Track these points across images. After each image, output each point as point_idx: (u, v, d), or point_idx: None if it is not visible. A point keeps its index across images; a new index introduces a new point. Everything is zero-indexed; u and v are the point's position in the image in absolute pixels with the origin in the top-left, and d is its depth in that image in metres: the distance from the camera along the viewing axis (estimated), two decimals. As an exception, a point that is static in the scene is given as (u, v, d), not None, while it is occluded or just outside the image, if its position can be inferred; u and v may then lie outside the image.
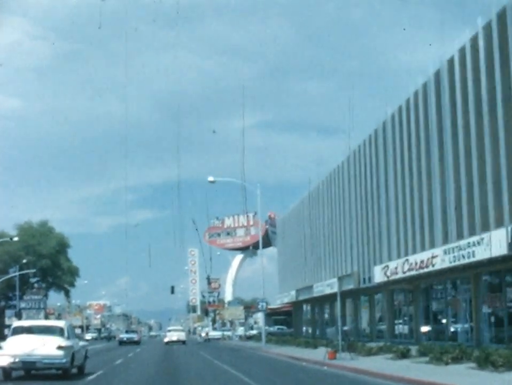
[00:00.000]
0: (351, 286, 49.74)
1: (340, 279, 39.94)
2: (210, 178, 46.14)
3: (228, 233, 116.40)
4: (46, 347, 22.62)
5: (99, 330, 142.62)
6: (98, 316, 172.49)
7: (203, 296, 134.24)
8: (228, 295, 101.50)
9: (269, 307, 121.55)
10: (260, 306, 54.36)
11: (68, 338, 23.85)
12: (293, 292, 71.00)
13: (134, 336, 75.90)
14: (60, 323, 25.81)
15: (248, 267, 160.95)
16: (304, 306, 74.74)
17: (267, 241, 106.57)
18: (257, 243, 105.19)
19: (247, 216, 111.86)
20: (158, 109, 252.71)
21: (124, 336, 76.47)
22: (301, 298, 68.86)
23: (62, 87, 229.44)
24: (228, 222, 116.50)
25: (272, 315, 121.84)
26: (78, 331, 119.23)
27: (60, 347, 22.71)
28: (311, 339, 51.78)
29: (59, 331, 23.85)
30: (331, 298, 55.03)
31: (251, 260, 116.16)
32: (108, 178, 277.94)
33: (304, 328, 75.35)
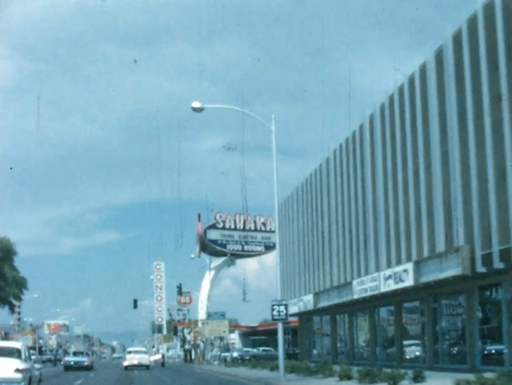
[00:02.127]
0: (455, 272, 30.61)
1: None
2: (195, 104, 31.59)
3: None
4: (3, 370, 21.48)
5: (39, 351, 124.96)
6: (53, 336, 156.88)
7: (170, 314, 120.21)
8: (201, 312, 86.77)
9: (247, 325, 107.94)
10: (276, 313, 32.36)
11: (25, 360, 22.91)
12: (307, 298, 54.61)
13: (84, 360, 58.94)
14: (17, 344, 24.90)
15: (222, 280, 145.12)
16: (316, 318, 58.93)
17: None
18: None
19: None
20: (123, 130, 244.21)
21: (70, 359, 59.28)
22: (323, 304, 51.37)
23: (27, 108, 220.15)
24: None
25: (250, 335, 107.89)
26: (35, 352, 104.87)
27: (17, 370, 21.69)
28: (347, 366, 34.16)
29: (16, 353, 22.88)
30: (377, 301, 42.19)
31: (225, 272, 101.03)
32: (72, 199, 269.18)
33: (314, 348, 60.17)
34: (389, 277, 37.26)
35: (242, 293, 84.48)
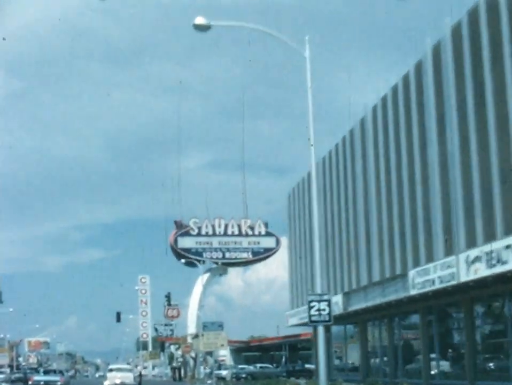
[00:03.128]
0: None
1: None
2: (199, 21, 24.60)
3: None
4: None
5: (11, 368, 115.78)
6: (33, 354, 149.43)
7: (156, 330, 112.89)
8: (191, 326, 78.69)
9: (239, 340, 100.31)
10: (314, 313, 22.91)
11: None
12: (335, 299, 43.65)
13: (57, 379, 49.38)
14: None
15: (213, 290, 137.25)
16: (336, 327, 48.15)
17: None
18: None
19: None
20: (107, 147, 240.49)
21: (40, 378, 49.65)
22: (358, 306, 42.76)
23: (10, 125, 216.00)
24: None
25: (242, 351, 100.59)
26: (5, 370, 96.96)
27: None
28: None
29: None
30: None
31: (217, 280, 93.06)
32: (56, 216, 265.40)
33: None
34: (478, 259, 28.21)
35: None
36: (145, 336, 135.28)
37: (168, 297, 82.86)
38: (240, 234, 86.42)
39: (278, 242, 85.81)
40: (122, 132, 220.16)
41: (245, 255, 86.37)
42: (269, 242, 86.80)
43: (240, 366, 70.84)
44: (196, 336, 62.31)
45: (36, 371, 55.61)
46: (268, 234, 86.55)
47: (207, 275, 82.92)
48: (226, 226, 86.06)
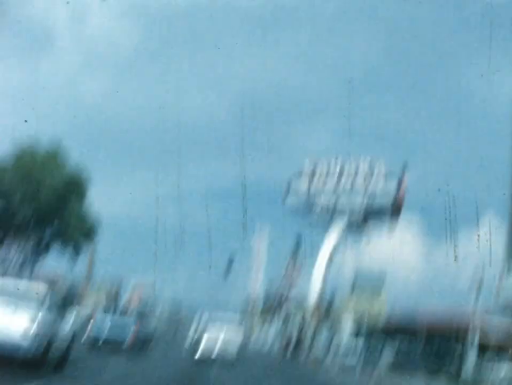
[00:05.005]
0: None
1: None
2: None
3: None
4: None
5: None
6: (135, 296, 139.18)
7: (268, 295, 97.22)
8: (316, 287, 62.04)
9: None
10: None
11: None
12: None
13: (128, 331, 31.88)
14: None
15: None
16: None
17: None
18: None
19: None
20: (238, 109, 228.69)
21: (98, 325, 32.43)
22: None
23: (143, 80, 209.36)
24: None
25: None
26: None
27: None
28: None
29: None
30: None
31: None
32: (176, 175, 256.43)
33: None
34: None
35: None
36: (255, 295, 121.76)
37: (297, 245, 64.30)
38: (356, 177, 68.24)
39: (400, 186, 66.75)
40: (253, 96, 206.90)
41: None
42: (390, 186, 67.32)
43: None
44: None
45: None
46: (388, 176, 67.69)
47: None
48: (343, 166, 68.91)
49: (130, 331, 31.12)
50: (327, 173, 68.78)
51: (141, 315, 35.84)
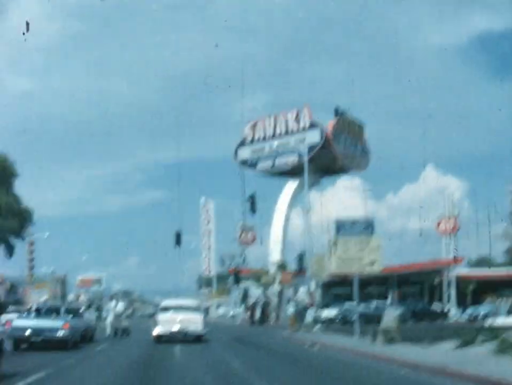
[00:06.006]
0: None
1: None
2: None
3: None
4: None
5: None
6: (81, 291, 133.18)
7: (223, 262, 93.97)
8: (274, 251, 58.45)
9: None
10: None
11: None
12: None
13: (57, 326, 26.29)
14: None
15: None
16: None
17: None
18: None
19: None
20: (169, 90, 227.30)
21: (25, 324, 26.55)
22: None
23: (70, 68, 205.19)
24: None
25: (330, 287, 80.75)
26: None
27: None
28: None
29: None
30: None
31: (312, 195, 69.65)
32: (118, 157, 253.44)
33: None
34: None
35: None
36: (208, 271, 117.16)
37: (251, 200, 59.83)
38: (287, 132, 65.96)
39: (322, 135, 63.62)
40: (184, 75, 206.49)
41: (291, 158, 64.90)
42: (313, 136, 63.88)
43: (347, 304, 50.65)
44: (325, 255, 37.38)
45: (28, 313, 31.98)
46: (312, 125, 64.50)
47: (293, 187, 62.71)
48: (275, 124, 66.62)
49: (58, 330, 25.87)
50: (265, 133, 67.01)
51: (74, 311, 30.25)
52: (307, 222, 48.71)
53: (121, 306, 37.38)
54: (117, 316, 36.88)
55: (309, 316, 44.87)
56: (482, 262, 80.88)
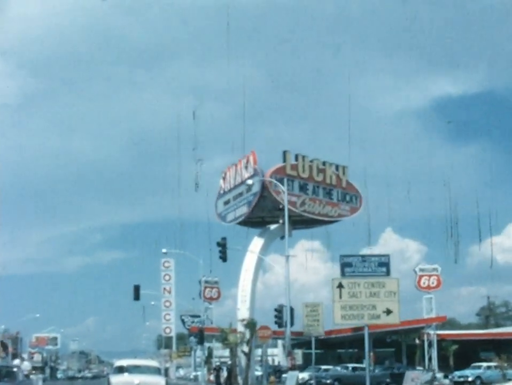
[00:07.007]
0: None
1: None
2: None
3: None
4: None
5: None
6: (35, 350, 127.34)
7: (183, 321, 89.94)
8: (243, 309, 53.67)
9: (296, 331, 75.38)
10: None
11: None
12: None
13: None
14: None
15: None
16: None
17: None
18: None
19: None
20: (128, 149, 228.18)
21: None
22: None
23: (31, 125, 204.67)
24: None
25: (299, 348, 77.13)
26: None
27: None
28: None
29: None
30: None
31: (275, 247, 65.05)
32: (76, 217, 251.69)
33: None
34: None
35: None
36: (168, 330, 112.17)
37: (222, 251, 53.47)
38: (241, 181, 60.04)
39: (261, 182, 57.84)
40: (144, 134, 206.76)
41: (245, 210, 60.29)
42: (256, 184, 57.57)
43: (324, 367, 46.90)
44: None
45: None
46: (255, 173, 58.52)
47: (261, 242, 58.71)
48: (235, 173, 61.96)
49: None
50: (229, 183, 63.00)
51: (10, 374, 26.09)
52: (287, 270, 44.85)
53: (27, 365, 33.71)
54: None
55: (291, 381, 39.33)
56: (451, 323, 78.73)
